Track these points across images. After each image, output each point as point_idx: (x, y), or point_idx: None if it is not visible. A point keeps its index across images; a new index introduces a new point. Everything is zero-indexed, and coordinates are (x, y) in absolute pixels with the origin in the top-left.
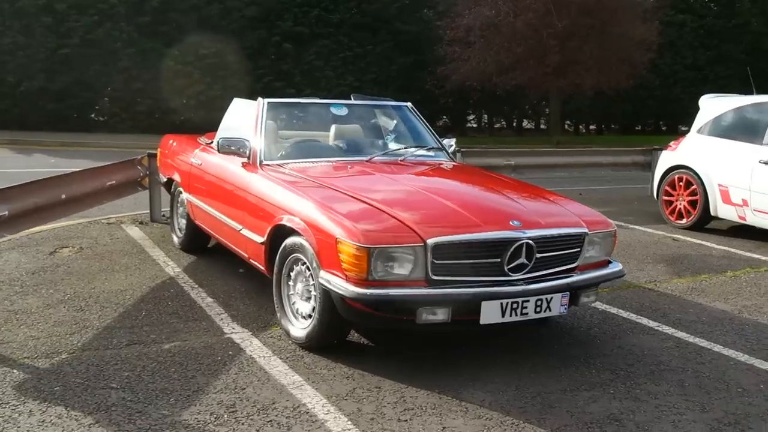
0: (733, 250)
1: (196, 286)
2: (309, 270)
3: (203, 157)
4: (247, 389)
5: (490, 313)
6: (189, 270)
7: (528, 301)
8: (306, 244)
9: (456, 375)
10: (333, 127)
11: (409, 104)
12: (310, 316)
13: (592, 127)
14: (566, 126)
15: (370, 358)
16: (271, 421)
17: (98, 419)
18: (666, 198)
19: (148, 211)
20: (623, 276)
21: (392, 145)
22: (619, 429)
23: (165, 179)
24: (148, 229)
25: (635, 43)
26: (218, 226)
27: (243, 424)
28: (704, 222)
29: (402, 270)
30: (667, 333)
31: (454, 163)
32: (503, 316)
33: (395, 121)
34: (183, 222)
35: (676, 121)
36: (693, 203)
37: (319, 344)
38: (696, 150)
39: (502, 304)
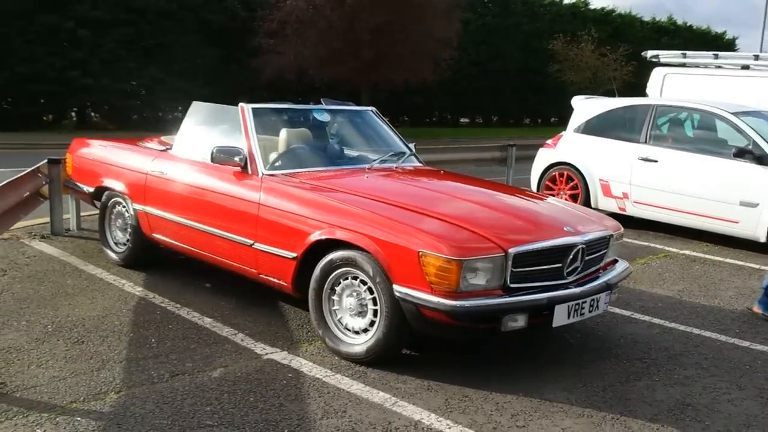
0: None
1: (179, 305)
2: (365, 284)
3: (167, 166)
4: (349, 411)
5: (560, 316)
6: (152, 287)
7: (585, 301)
8: (364, 257)
9: (520, 377)
10: (324, 131)
11: (373, 108)
12: (365, 330)
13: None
14: None
15: (428, 368)
16: None
17: None
18: (547, 192)
19: (43, 223)
20: (631, 272)
21: (360, 153)
22: (697, 413)
23: (92, 189)
24: (59, 243)
25: (437, 40)
26: (205, 241)
27: None
28: None
29: (480, 280)
30: (646, 320)
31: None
32: (569, 317)
33: (345, 125)
34: (121, 235)
35: (460, 113)
36: (574, 197)
37: (382, 358)
38: (575, 147)
39: (569, 306)
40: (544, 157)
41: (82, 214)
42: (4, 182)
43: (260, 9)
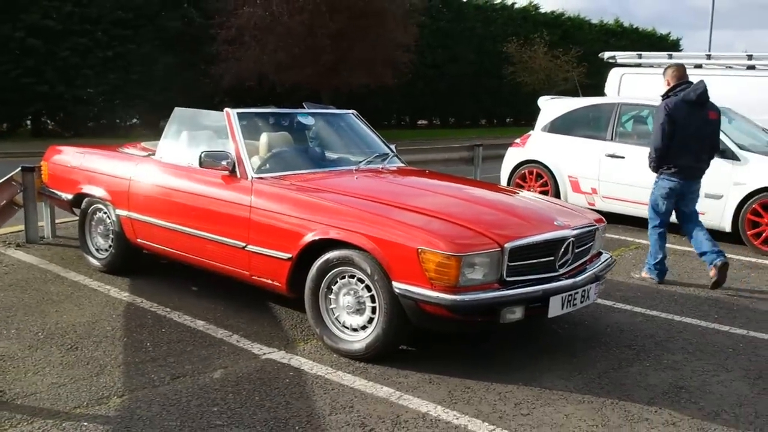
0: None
1: (168, 309)
2: (362, 282)
3: (152, 171)
4: (357, 407)
5: (555, 307)
6: (138, 292)
7: (577, 293)
8: (362, 256)
9: (517, 367)
10: (303, 135)
11: (354, 111)
12: (363, 327)
13: None
14: None
15: (427, 361)
16: None
17: None
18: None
19: (17, 231)
20: (615, 262)
21: (343, 155)
22: (691, 395)
23: (70, 197)
24: (36, 251)
25: (397, 45)
26: (194, 244)
27: None
28: None
29: (478, 275)
30: (628, 309)
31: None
32: (563, 308)
33: (327, 128)
34: (102, 242)
35: (417, 115)
36: (544, 193)
37: (382, 354)
38: (544, 146)
39: (562, 297)
40: (513, 156)
41: (56, 221)
42: None
43: (217, 16)
